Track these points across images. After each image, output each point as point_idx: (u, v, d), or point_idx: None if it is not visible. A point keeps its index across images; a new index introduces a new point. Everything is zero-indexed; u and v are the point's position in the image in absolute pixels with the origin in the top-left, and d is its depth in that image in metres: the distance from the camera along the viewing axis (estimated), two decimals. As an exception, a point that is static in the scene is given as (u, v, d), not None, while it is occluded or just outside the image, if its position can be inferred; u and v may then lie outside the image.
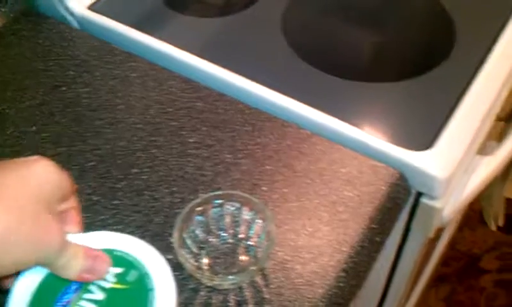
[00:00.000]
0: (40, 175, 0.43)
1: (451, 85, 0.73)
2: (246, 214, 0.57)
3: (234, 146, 0.66)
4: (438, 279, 1.52)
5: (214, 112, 0.69)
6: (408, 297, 1.11)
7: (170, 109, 0.70)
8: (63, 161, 0.64)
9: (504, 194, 1.33)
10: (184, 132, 0.67)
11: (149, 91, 0.72)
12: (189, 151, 0.65)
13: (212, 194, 0.56)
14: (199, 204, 0.56)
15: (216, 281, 0.54)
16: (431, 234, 0.69)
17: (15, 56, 0.76)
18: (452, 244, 1.56)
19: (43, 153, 0.64)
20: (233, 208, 0.57)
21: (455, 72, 0.75)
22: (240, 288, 0.55)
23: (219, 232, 0.57)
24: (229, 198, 0.57)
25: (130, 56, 0.76)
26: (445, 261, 1.53)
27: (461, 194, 0.69)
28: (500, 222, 1.11)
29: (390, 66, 0.77)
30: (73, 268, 0.44)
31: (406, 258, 0.74)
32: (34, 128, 0.67)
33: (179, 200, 0.61)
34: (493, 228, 1.13)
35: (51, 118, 0.69)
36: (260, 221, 0.56)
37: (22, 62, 0.76)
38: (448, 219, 0.68)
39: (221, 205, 0.57)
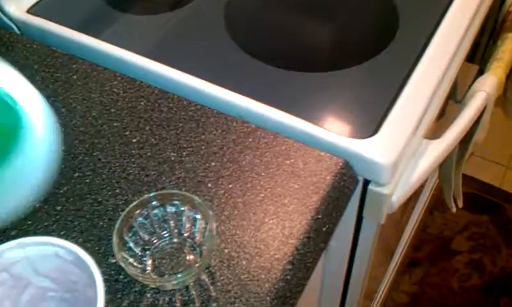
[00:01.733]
0: None
1: (395, 70, 0.73)
2: (188, 213, 0.56)
3: (178, 143, 0.65)
4: (410, 263, 1.53)
5: (157, 110, 0.69)
6: (377, 283, 1.12)
7: (113, 110, 0.69)
8: (3, 169, 0.63)
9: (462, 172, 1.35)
10: (127, 133, 0.66)
11: (91, 92, 0.71)
12: (132, 151, 0.65)
13: (151, 194, 0.56)
14: (138, 206, 0.55)
15: (159, 283, 0.53)
16: (382, 220, 0.69)
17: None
18: (423, 228, 1.58)
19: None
20: (174, 208, 0.56)
21: (399, 58, 0.75)
22: (187, 287, 0.54)
23: (163, 232, 0.57)
24: (169, 198, 0.56)
25: (72, 58, 0.75)
26: (416, 245, 1.55)
27: (409, 179, 0.69)
28: (460, 204, 1.13)
29: (333, 54, 0.77)
30: None
31: (362, 246, 0.75)
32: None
33: (123, 202, 0.60)
34: (453, 209, 1.14)
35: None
36: (202, 219, 0.56)
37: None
38: (398, 204, 0.68)
39: (162, 205, 0.56)
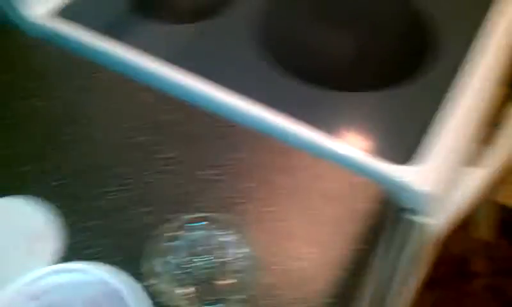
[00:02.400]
0: None
1: (435, 93, 0.71)
2: (227, 237, 0.53)
3: (210, 161, 0.62)
4: (427, 283, 1.48)
5: (187, 125, 0.65)
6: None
7: (139, 123, 0.65)
8: (27, 180, 0.59)
9: (498, 199, 1.29)
10: (156, 148, 0.63)
11: (116, 104, 0.67)
12: (161, 168, 0.61)
13: (186, 217, 0.53)
14: (171, 229, 0.52)
15: (197, 311, 0.50)
16: (420, 250, 0.66)
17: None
18: (443, 245, 1.52)
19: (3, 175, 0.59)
20: (214, 231, 0.53)
21: (437, 80, 0.72)
22: (225, 316, 0.51)
23: (196, 257, 0.53)
24: (209, 220, 0.53)
25: (95, 66, 0.71)
26: (435, 263, 1.50)
27: (451, 208, 0.67)
28: (492, 229, 1.10)
29: (370, 74, 0.74)
30: None
31: (400, 277, 0.72)
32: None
33: (152, 222, 0.57)
34: (485, 235, 1.11)
35: (7, 135, 0.63)
36: (241, 244, 0.52)
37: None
38: (438, 234, 0.66)
39: (200, 228, 0.53)
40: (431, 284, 1.49)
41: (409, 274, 0.72)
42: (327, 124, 0.66)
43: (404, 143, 0.65)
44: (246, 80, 0.71)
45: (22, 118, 0.65)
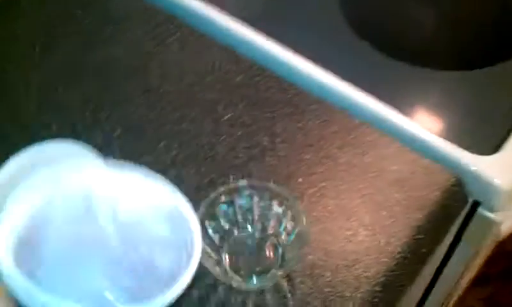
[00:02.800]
0: None
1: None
2: (276, 208, 0.51)
3: (273, 128, 0.60)
4: (480, 278, 1.40)
5: (254, 88, 0.63)
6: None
7: (207, 80, 0.64)
8: (88, 126, 0.59)
9: None
10: (219, 107, 0.61)
11: (187, 58, 0.66)
12: (222, 128, 0.59)
13: (240, 183, 0.51)
14: (225, 192, 0.50)
15: (236, 283, 0.48)
16: (484, 248, 0.61)
17: (47, 6, 0.71)
18: (500, 242, 1.44)
19: (66, 118, 0.60)
20: (263, 201, 0.51)
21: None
22: (263, 290, 0.49)
23: (246, 225, 0.52)
24: (259, 189, 0.51)
25: (172, 19, 0.70)
26: (490, 260, 1.42)
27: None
28: None
29: (461, 52, 0.68)
30: None
31: (451, 268, 0.67)
32: (60, 89, 0.62)
33: (207, 182, 0.55)
34: None
35: (79, 79, 0.64)
36: (290, 218, 0.50)
37: (56, 12, 0.70)
38: (506, 234, 0.60)
39: (250, 196, 0.51)
40: (485, 279, 1.40)
41: (467, 269, 0.66)
42: (405, 102, 0.62)
43: (485, 131, 0.60)
44: (324, 49, 0.67)
45: (94, 64, 0.65)
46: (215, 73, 0.64)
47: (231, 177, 0.55)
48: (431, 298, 0.75)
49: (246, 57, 0.66)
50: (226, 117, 0.60)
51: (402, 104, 0.61)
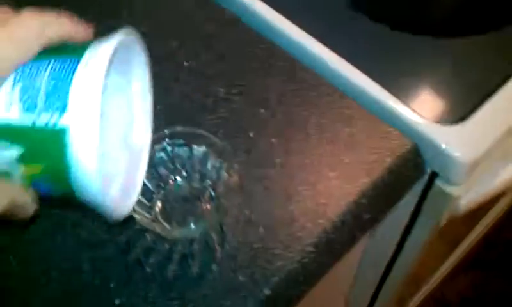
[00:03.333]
0: None
1: (507, 54, 0.60)
2: (214, 160, 0.49)
3: (232, 80, 0.58)
4: (473, 263, 1.36)
5: (221, 37, 0.61)
6: (429, 271, 1.00)
7: (177, 27, 0.62)
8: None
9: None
10: (181, 53, 0.60)
11: (163, 4, 0.65)
12: (181, 75, 0.58)
13: (178, 129, 0.49)
14: (162, 139, 0.49)
15: (163, 231, 0.48)
16: (442, 223, 0.59)
17: None
18: (499, 229, 1.39)
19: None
20: (201, 151, 0.50)
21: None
22: (192, 240, 0.48)
23: (183, 174, 0.51)
24: (197, 139, 0.49)
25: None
26: (486, 246, 1.37)
27: (489, 183, 0.58)
28: None
29: (442, 19, 0.65)
30: None
31: (412, 242, 0.64)
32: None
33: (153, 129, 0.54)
34: None
35: None
36: (227, 170, 0.49)
37: None
38: (466, 210, 0.57)
39: (188, 145, 0.50)
40: (478, 265, 1.36)
41: (420, 244, 0.64)
42: (378, 66, 0.59)
43: (458, 101, 0.57)
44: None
45: None
46: (187, 21, 0.63)
47: (177, 125, 0.54)
48: (393, 274, 0.73)
49: (223, 8, 0.64)
50: (186, 63, 0.59)
51: (372, 67, 0.58)
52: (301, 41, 0.60)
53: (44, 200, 0.37)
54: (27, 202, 0.35)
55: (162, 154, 0.50)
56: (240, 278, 0.46)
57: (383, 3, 0.66)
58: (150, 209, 0.49)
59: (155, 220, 0.48)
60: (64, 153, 0.32)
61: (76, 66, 0.33)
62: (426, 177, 0.56)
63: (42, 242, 0.48)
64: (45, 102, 0.32)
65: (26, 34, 0.33)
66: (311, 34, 0.60)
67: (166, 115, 0.55)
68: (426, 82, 0.59)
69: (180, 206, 0.50)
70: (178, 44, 0.61)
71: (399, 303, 0.96)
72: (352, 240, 0.52)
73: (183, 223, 0.49)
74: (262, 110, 0.56)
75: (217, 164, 0.50)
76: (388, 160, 0.53)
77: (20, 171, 0.34)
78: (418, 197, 0.59)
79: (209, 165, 0.50)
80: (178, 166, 0.50)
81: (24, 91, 0.33)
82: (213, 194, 0.50)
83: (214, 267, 0.47)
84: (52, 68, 0.33)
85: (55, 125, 0.32)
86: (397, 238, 0.65)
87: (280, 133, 0.54)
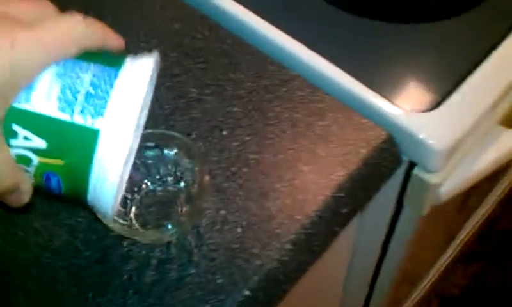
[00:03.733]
0: None
1: (479, 37, 0.60)
2: (186, 161, 0.49)
3: (203, 79, 0.57)
4: (469, 256, 1.37)
5: (190, 37, 0.61)
6: (425, 267, 1.01)
7: (143, 31, 0.61)
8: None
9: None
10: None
11: (128, 3, 0.64)
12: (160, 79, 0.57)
13: (148, 131, 0.49)
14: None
15: (140, 237, 0.47)
16: (424, 212, 0.58)
17: None
18: (492, 221, 1.40)
19: None
20: (173, 153, 0.49)
21: (487, 22, 0.62)
22: (168, 244, 0.48)
23: (157, 177, 0.50)
24: (167, 140, 0.49)
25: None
26: (481, 238, 1.38)
27: (469, 169, 0.58)
28: None
29: (410, 5, 0.65)
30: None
31: (399, 236, 0.64)
32: None
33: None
34: None
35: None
36: (198, 170, 0.48)
37: None
38: (448, 197, 0.57)
39: (158, 147, 0.49)
40: (473, 257, 1.37)
41: (406, 236, 0.64)
42: (346, 54, 0.59)
43: (429, 87, 0.57)
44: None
45: None
46: (153, 24, 0.62)
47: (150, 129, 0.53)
48: (384, 270, 0.73)
49: (187, 4, 0.63)
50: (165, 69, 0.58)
51: (342, 58, 0.58)
52: (269, 35, 0.60)
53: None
54: (28, 191, 0.36)
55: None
56: (219, 280, 0.46)
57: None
58: (125, 215, 0.48)
59: (130, 226, 0.48)
60: (90, 155, 0.34)
61: (115, 76, 0.35)
62: (404, 167, 0.56)
63: (18, 253, 0.47)
64: (83, 104, 0.34)
65: (60, 37, 0.34)
66: (279, 28, 0.60)
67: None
68: (397, 70, 0.58)
69: (155, 211, 0.49)
70: (146, 44, 0.60)
71: (396, 303, 0.96)
72: (331, 235, 0.51)
73: (159, 227, 0.48)
74: (235, 109, 0.55)
75: (190, 165, 0.49)
76: (363, 152, 0.52)
77: (38, 160, 0.35)
78: (399, 189, 0.58)
79: (182, 167, 0.49)
80: (151, 170, 0.50)
81: (63, 88, 0.34)
82: (187, 196, 0.49)
83: (192, 270, 0.46)
84: (92, 73, 0.35)
85: (88, 126, 0.34)
86: (383, 232, 0.65)
87: (253, 130, 0.54)
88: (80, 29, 0.35)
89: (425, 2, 0.65)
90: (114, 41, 0.38)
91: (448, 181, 0.57)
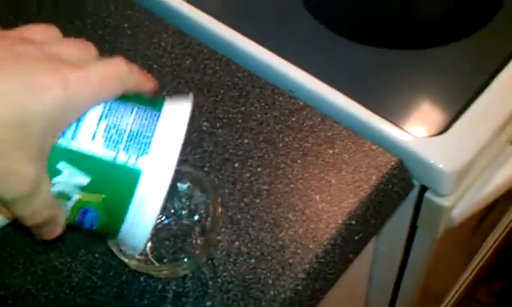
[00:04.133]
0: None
1: (485, 59, 0.61)
2: (199, 194, 0.50)
3: (214, 112, 0.59)
4: (492, 272, 1.35)
5: (201, 72, 0.62)
6: (446, 286, 1.00)
7: (155, 65, 0.63)
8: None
9: None
10: (163, 92, 0.61)
11: (137, 43, 0.65)
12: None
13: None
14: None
15: (155, 272, 0.48)
16: (438, 235, 0.59)
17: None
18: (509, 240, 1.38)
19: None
20: (185, 187, 0.50)
21: (493, 43, 0.62)
22: (184, 277, 0.48)
23: (171, 211, 0.51)
24: (180, 175, 0.50)
25: (128, 4, 0.70)
26: (503, 253, 1.37)
27: (481, 191, 0.58)
28: None
29: (414, 30, 0.65)
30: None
31: (415, 258, 0.64)
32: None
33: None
34: None
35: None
36: (211, 204, 0.49)
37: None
38: (460, 220, 0.57)
39: (172, 182, 0.50)
40: (497, 274, 1.35)
41: (423, 258, 0.64)
42: (355, 84, 0.60)
43: (437, 111, 0.57)
44: (280, 31, 0.66)
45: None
46: (164, 58, 0.64)
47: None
48: (402, 293, 0.73)
49: (197, 41, 0.65)
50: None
51: (349, 84, 0.59)
52: (278, 66, 0.61)
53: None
54: (62, 223, 0.38)
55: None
56: (235, 311, 0.46)
57: (357, 23, 0.67)
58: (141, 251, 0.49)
59: (146, 261, 0.49)
60: (131, 192, 0.36)
61: (157, 118, 0.37)
62: (417, 191, 0.56)
63: (39, 291, 0.49)
64: (126, 143, 0.36)
65: (107, 78, 0.35)
66: (288, 60, 0.61)
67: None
68: (405, 95, 0.59)
69: (170, 244, 0.50)
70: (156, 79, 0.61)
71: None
72: (345, 262, 0.52)
73: (174, 261, 0.49)
74: (246, 141, 0.56)
75: (203, 198, 0.50)
76: (374, 178, 0.53)
77: (78, 195, 0.36)
78: (412, 213, 0.59)
79: (195, 200, 0.50)
80: (166, 204, 0.51)
81: (109, 128, 0.36)
82: (201, 228, 0.50)
83: (208, 302, 0.47)
84: (136, 114, 0.36)
85: (131, 165, 0.35)
86: (399, 256, 0.65)
87: (264, 161, 0.55)
88: (124, 71, 0.36)
89: (429, 28, 0.66)
90: (150, 83, 0.39)
91: (460, 204, 0.57)
